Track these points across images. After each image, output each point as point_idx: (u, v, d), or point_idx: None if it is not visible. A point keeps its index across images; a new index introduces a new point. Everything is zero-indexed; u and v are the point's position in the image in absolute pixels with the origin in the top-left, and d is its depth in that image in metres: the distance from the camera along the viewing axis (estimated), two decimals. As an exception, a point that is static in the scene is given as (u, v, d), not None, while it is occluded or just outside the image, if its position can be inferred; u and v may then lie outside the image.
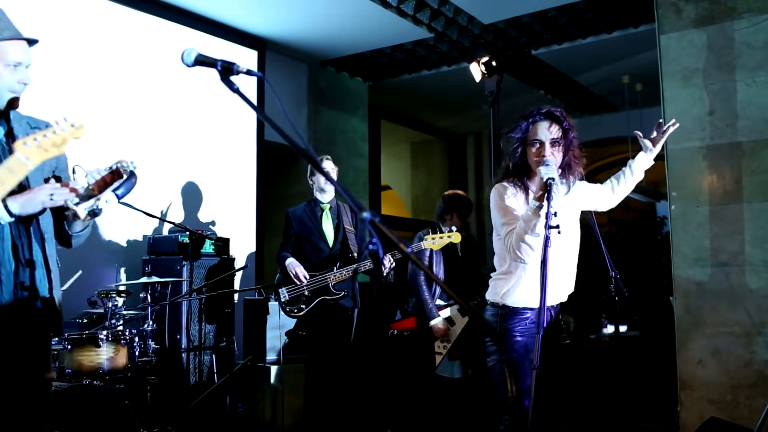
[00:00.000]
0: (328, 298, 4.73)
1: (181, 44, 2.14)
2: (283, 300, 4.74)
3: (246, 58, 6.81)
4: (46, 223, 2.49)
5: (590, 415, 4.92)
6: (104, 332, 4.01)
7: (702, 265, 4.67)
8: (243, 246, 6.60)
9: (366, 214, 1.54)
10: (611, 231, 10.54)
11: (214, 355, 5.24)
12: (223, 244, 5.62)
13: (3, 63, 2.40)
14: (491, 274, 3.24)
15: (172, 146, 6.00)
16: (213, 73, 1.99)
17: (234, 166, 6.67)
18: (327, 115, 7.93)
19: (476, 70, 6.77)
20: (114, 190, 2.37)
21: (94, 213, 2.35)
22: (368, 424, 5.14)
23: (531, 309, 3.04)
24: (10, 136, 2.50)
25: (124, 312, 4.37)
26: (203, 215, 6.22)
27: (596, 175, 11.13)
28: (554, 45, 7.20)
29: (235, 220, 6.57)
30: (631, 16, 6.49)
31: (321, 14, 6.40)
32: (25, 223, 2.41)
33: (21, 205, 2.26)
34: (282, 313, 4.84)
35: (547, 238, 2.73)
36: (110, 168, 2.39)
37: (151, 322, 4.47)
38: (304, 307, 4.72)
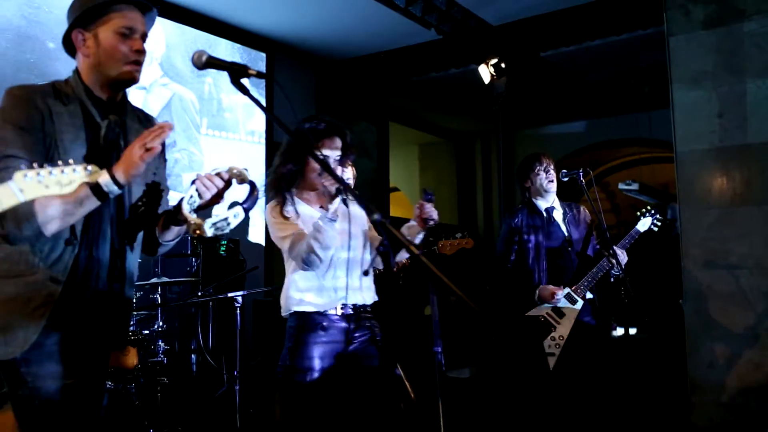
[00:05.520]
0: None
1: (191, 46, 2.14)
2: None
3: (255, 60, 6.84)
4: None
5: (600, 418, 4.91)
6: (114, 333, 4.02)
7: (712, 268, 4.65)
8: (253, 247, 6.62)
9: (377, 216, 1.55)
10: (620, 234, 10.51)
11: (223, 357, 5.25)
12: (233, 245, 5.66)
13: (112, 30, 2.18)
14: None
15: (180, 147, 6.03)
16: (222, 74, 2.00)
17: (243, 167, 6.69)
18: (335, 117, 7.92)
19: (485, 72, 6.78)
20: (242, 204, 2.20)
21: (220, 230, 2.16)
22: (378, 424, 5.13)
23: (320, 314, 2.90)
24: (123, 130, 2.27)
25: (135, 312, 4.39)
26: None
27: (605, 177, 11.12)
28: (562, 47, 7.19)
29: (245, 221, 6.59)
30: (639, 18, 6.48)
31: (329, 16, 6.42)
32: (118, 210, 2.24)
33: (125, 172, 1.99)
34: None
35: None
36: (222, 176, 2.21)
37: (161, 323, 4.49)
38: None
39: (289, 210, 2.95)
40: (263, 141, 7.05)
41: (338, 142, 3.03)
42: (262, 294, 6.05)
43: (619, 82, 8.43)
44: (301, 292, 2.90)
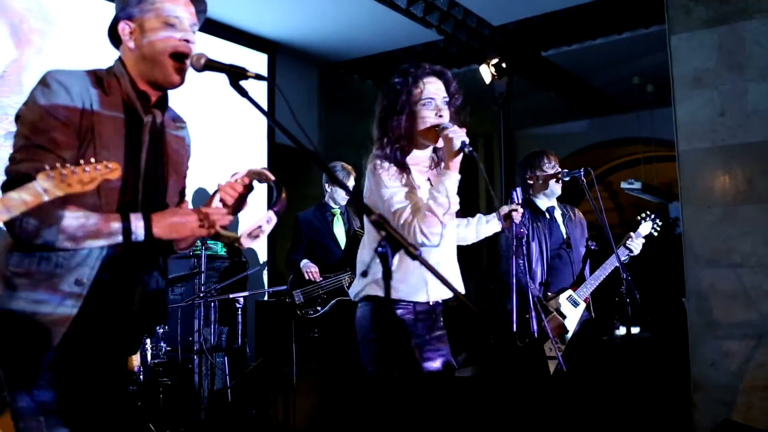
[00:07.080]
0: (344, 298, 4.77)
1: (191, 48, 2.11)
2: (298, 302, 4.80)
3: (256, 61, 6.83)
4: None
5: (602, 417, 4.91)
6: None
7: (714, 267, 4.64)
8: (254, 248, 6.62)
9: (375, 216, 1.56)
10: (622, 233, 10.50)
11: (226, 358, 5.26)
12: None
13: (159, 19, 2.05)
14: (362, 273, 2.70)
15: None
16: (222, 76, 1.99)
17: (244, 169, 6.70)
18: (337, 118, 7.95)
19: (486, 72, 6.77)
20: (272, 208, 2.12)
21: (257, 239, 2.10)
22: (382, 425, 5.13)
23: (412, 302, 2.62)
24: (163, 129, 2.18)
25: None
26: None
27: (608, 176, 11.11)
28: (564, 46, 7.19)
29: (246, 223, 6.60)
30: (641, 16, 6.48)
31: (331, 17, 6.42)
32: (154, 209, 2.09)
33: (167, 231, 1.97)
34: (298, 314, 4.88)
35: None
36: (242, 180, 2.18)
37: (163, 325, 4.50)
38: (320, 308, 4.77)
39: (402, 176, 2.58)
40: (265, 144, 7.04)
41: (440, 84, 2.68)
42: (264, 295, 6.07)
43: (621, 81, 8.42)
44: None
